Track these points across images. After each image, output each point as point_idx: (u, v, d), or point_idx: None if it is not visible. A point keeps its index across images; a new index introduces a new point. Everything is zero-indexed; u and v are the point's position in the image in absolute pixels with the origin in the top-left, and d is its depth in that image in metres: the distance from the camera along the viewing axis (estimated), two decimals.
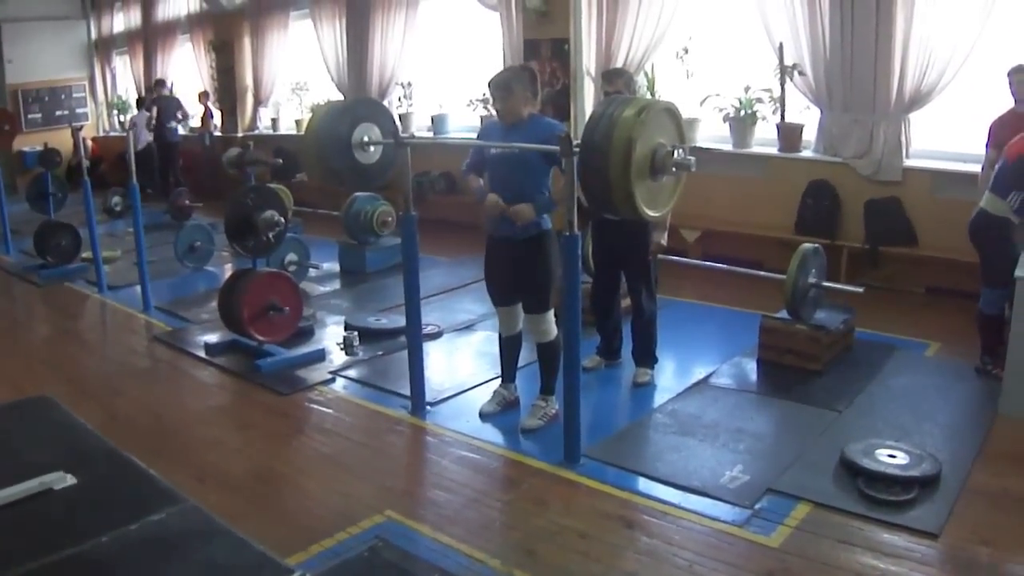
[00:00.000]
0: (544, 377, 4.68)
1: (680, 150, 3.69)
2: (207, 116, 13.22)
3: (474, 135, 5.39)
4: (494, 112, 4.59)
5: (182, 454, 4.46)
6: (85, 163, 8.12)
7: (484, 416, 4.77)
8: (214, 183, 12.19)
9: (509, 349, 4.83)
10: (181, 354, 6.14)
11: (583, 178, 3.74)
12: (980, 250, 5.14)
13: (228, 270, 7.91)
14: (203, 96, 13.29)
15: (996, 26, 6.22)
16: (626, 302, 5.36)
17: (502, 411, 4.80)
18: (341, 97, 10.60)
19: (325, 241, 8.73)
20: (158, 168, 12.86)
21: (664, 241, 5.19)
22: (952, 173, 6.55)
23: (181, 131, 13.24)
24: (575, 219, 3.94)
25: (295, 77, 12.27)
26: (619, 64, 8.09)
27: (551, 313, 4.56)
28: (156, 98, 12.98)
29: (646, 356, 5.26)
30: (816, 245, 5.54)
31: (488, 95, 4.47)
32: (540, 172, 4.33)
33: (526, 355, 4.95)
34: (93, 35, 16.36)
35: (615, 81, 5.09)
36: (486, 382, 5.22)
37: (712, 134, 7.99)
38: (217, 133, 13.23)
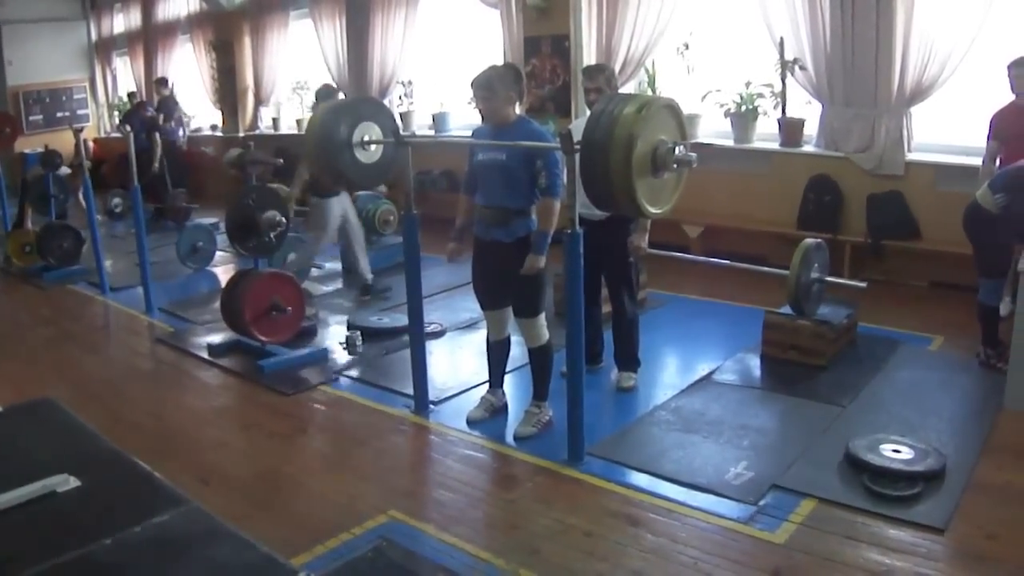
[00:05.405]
0: (537, 382, 4.59)
1: (681, 146, 3.67)
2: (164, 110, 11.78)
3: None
4: (478, 112, 4.51)
5: (185, 455, 4.46)
6: (87, 164, 8.13)
7: (471, 423, 4.70)
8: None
9: (497, 354, 4.77)
10: (184, 355, 6.15)
11: (584, 176, 3.71)
12: (973, 241, 5.16)
13: (230, 271, 7.90)
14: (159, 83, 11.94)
15: (997, 18, 6.20)
16: (606, 307, 5.24)
17: (490, 417, 4.74)
18: (342, 96, 10.58)
19: None
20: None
21: (644, 243, 5.09)
22: (954, 166, 6.54)
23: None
24: (576, 216, 3.93)
25: (296, 76, 12.26)
26: (620, 60, 8.09)
27: (543, 317, 4.49)
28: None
29: (630, 360, 5.15)
30: (819, 240, 5.55)
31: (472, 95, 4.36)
32: (524, 182, 4.24)
33: (516, 359, 4.94)
34: (93, 36, 16.35)
35: (596, 77, 4.91)
36: (489, 381, 5.19)
37: (713, 129, 7.98)
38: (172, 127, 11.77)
